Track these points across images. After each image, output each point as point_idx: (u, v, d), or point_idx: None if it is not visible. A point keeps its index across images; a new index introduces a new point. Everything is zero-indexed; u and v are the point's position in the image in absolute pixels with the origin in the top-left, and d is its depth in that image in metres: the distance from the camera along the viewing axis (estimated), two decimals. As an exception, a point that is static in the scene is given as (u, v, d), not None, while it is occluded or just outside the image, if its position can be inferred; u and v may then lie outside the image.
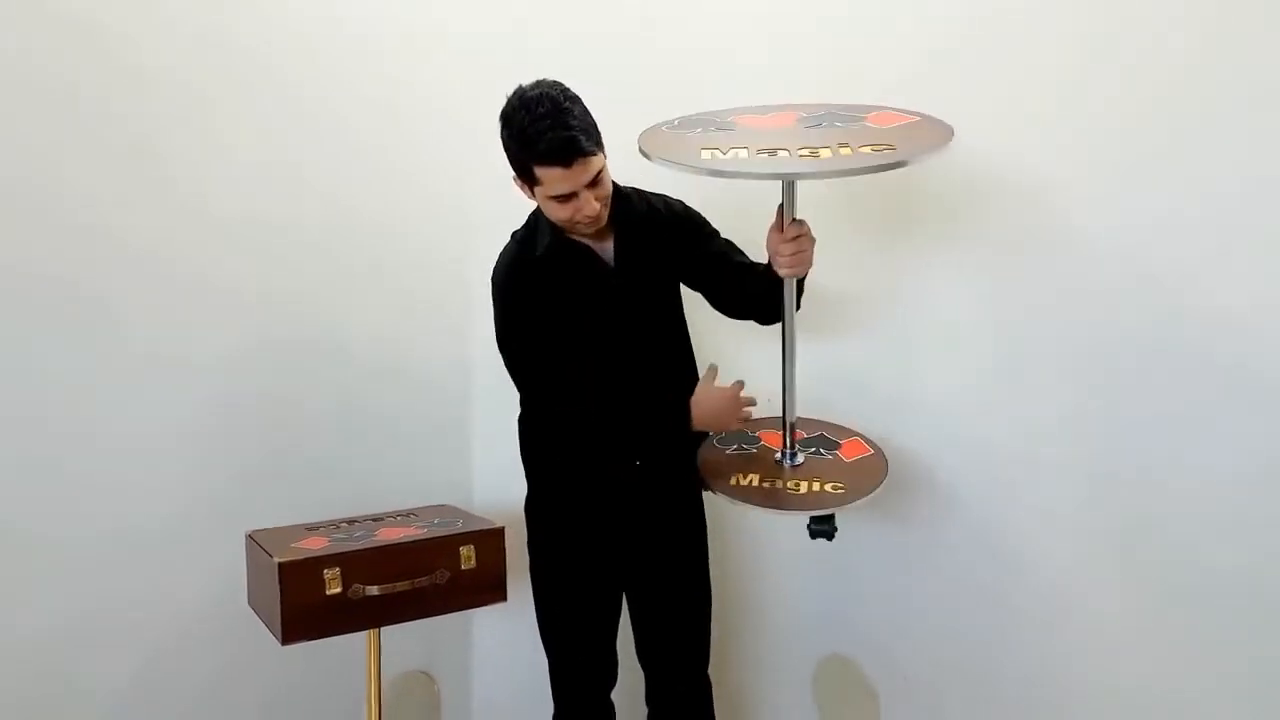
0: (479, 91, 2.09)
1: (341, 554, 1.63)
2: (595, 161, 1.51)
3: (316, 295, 2.05)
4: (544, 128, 1.46)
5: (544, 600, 1.82)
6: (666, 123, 1.66)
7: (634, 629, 1.84)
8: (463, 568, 1.72)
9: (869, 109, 1.60)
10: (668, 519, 1.78)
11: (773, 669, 2.15)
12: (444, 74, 2.14)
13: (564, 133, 1.46)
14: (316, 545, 1.67)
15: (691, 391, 1.67)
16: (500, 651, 2.25)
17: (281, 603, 1.57)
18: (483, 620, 2.24)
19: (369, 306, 2.12)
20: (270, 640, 1.62)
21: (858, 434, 1.79)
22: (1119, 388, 1.66)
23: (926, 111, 1.56)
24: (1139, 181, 1.61)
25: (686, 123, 1.64)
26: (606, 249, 1.69)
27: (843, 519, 1.71)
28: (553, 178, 1.50)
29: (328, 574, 1.61)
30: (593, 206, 1.54)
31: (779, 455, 1.72)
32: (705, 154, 1.46)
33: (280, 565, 1.57)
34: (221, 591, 1.85)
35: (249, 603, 1.78)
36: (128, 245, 1.81)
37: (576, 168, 1.49)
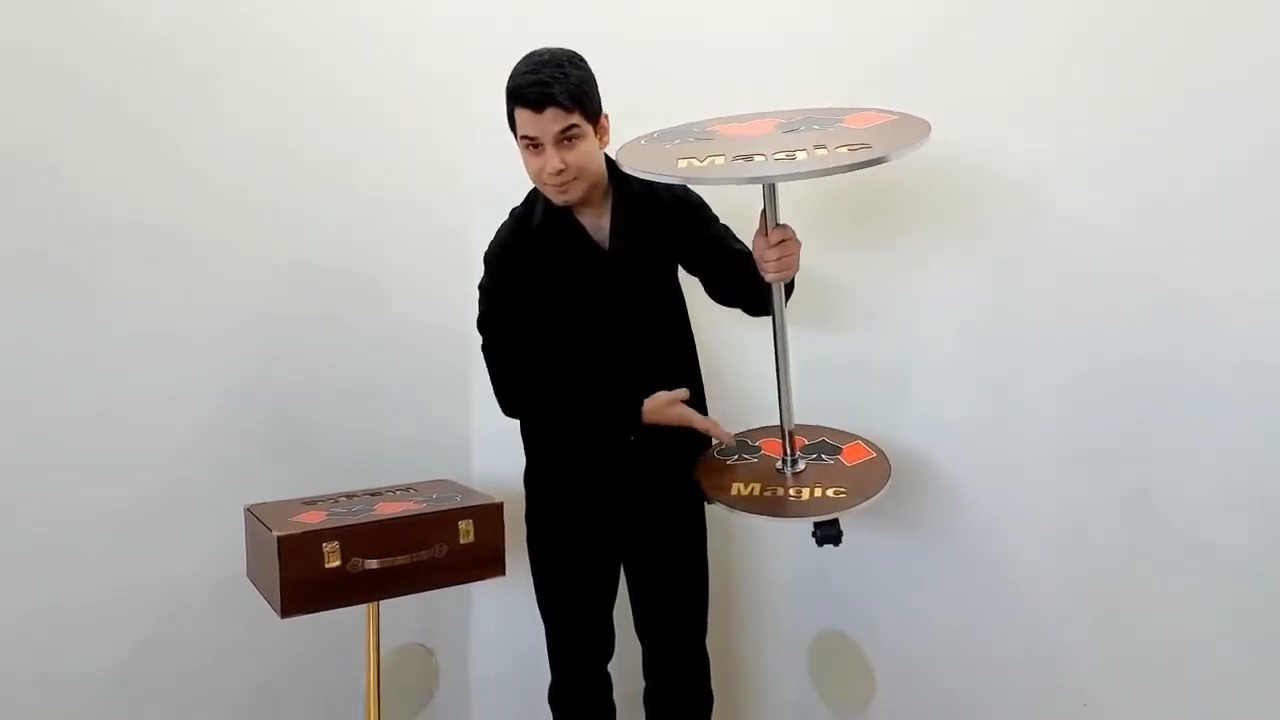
0: (478, 66, 2.09)
1: (340, 528, 1.63)
2: (567, 118, 1.54)
3: (314, 271, 2.04)
4: (530, 69, 1.55)
5: (541, 571, 1.83)
6: (645, 135, 1.66)
7: (631, 602, 1.84)
8: (461, 542, 1.73)
9: (846, 111, 1.60)
10: (665, 492, 1.78)
11: (770, 643, 2.16)
12: (443, 48, 2.13)
13: (544, 77, 1.53)
14: (315, 519, 1.68)
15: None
16: (498, 625, 2.26)
17: (280, 576, 1.57)
18: (481, 594, 2.25)
19: (367, 281, 2.12)
20: (269, 613, 1.62)
21: (859, 438, 1.78)
22: (1118, 382, 1.65)
23: (905, 110, 1.54)
24: (1131, 171, 1.61)
25: (665, 135, 1.65)
26: (602, 229, 1.69)
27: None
28: (522, 120, 1.56)
29: (327, 548, 1.61)
30: (554, 164, 1.56)
31: (780, 463, 1.70)
32: (682, 163, 1.47)
33: (279, 539, 1.57)
34: (220, 564, 1.86)
35: (248, 576, 1.79)
36: (125, 221, 1.80)
37: (547, 115, 1.53)
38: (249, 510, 1.76)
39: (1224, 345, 1.54)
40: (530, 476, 1.82)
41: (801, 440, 1.75)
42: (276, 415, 2.01)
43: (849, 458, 1.71)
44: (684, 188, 1.77)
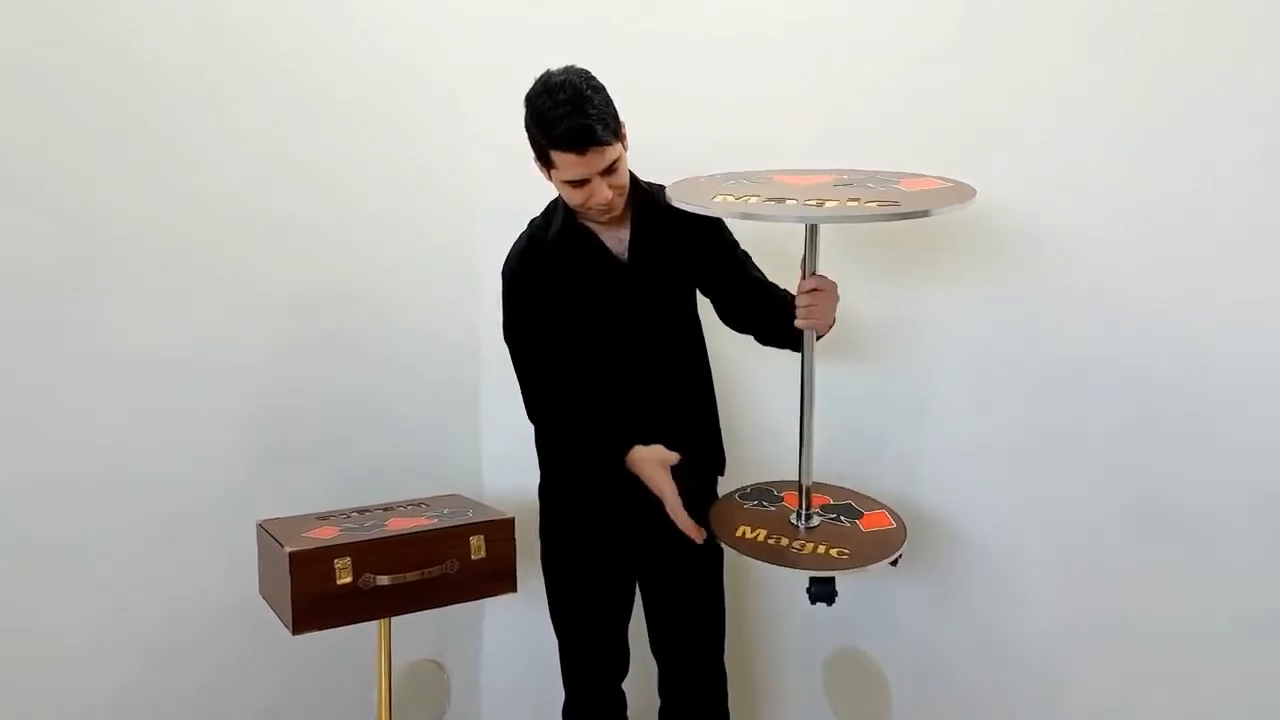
0: (484, 79, 2.12)
1: (352, 544, 1.62)
2: (611, 151, 1.53)
3: (325, 284, 2.04)
4: (563, 114, 1.48)
5: (556, 588, 1.81)
6: (706, 176, 1.69)
7: (647, 619, 1.83)
8: (473, 558, 1.71)
9: (903, 175, 1.62)
10: (685, 503, 1.76)
11: (787, 661, 2.14)
12: (447, 61, 2.14)
13: (581, 120, 1.48)
14: (327, 535, 1.67)
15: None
16: (510, 641, 2.25)
17: (292, 592, 1.57)
18: (493, 609, 2.24)
19: (377, 295, 2.11)
20: (281, 628, 1.62)
21: (885, 507, 1.75)
22: (1134, 406, 1.63)
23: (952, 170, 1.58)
24: (1146, 191, 1.58)
25: (726, 178, 1.67)
26: (621, 242, 1.68)
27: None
28: (567, 163, 1.52)
29: (338, 564, 1.60)
30: (604, 194, 1.56)
31: (794, 516, 1.69)
32: (717, 199, 1.49)
33: (291, 555, 1.57)
34: (233, 580, 1.85)
35: (260, 592, 1.78)
36: (134, 235, 1.79)
37: (591, 155, 1.51)
38: (261, 525, 1.76)
39: (1237, 363, 1.52)
40: (545, 490, 1.81)
41: (825, 500, 1.75)
42: (289, 431, 2.01)
43: (867, 525, 1.69)
44: None
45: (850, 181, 1.59)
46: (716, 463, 1.82)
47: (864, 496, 1.79)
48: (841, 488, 1.82)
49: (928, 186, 1.55)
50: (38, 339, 1.71)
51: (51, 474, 1.73)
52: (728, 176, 1.68)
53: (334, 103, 2.03)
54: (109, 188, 1.77)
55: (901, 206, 1.40)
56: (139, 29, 1.77)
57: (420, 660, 2.18)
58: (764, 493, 1.80)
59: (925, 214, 1.39)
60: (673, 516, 1.61)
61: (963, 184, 1.55)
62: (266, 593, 1.75)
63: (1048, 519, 1.76)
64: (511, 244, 1.72)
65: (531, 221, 1.73)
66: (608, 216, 1.63)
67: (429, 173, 2.16)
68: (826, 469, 1.80)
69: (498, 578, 1.75)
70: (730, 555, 1.81)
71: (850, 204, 1.42)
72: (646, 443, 1.64)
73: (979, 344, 1.82)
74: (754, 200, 1.47)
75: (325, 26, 2.01)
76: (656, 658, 1.83)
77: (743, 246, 1.78)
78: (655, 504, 1.72)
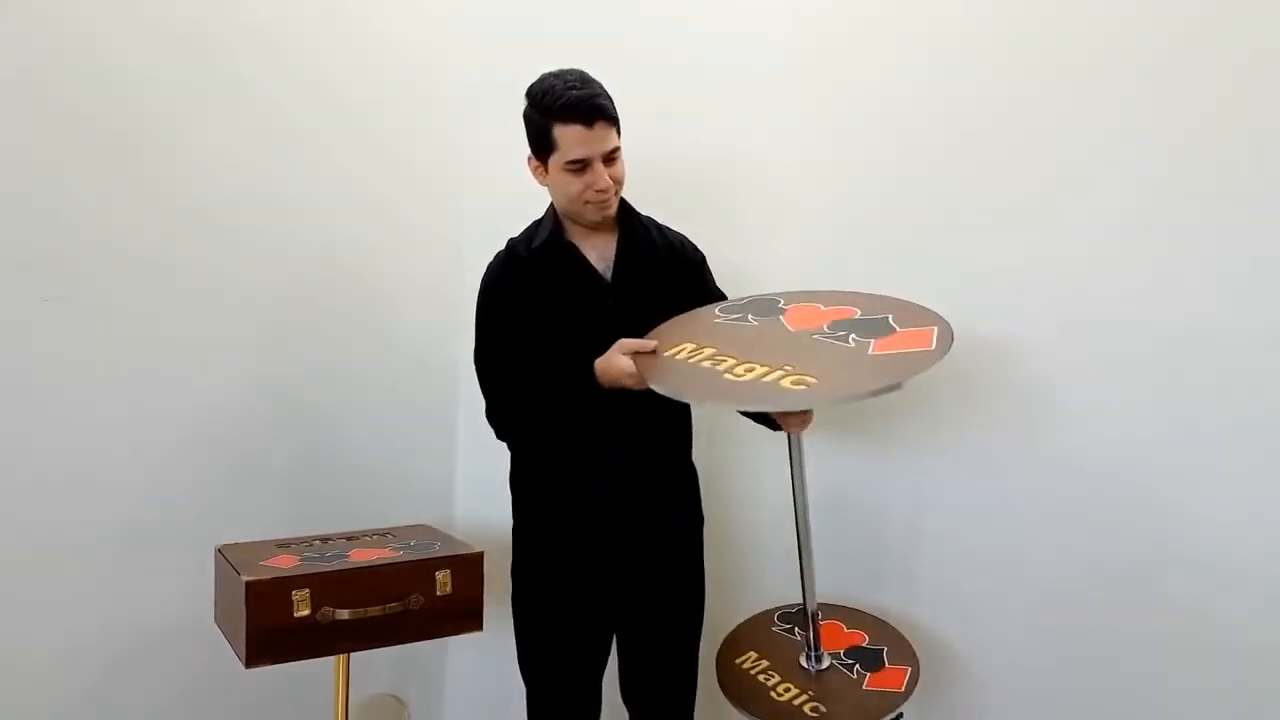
0: (474, 102, 2.09)
1: (312, 575, 1.56)
2: (614, 136, 1.54)
3: (301, 305, 2.00)
4: (572, 87, 1.51)
5: (526, 634, 1.73)
6: (720, 306, 1.66)
7: (620, 667, 1.75)
8: (438, 594, 1.66)
9: (895, 327, 1.45)
10: (664, 557, 1.71)
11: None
12: (437, 83, 2.13)
13: (590, 92, 1.51)
14: (286, 564, 1.61)
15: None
16: (474, 678, 2.19)
17: (247, 624, 1.50)
18: (457, 645, 2.18)
19: (354, 316, 2.08)
20: (234, 660, 1.55)
21: (911, 662, 1.67)
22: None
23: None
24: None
25: (731, 308, 1.64)
26: (605, 259, 1.65)
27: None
28: (571, 138, 1.51)
29: (296, 595, 1.54)
30: (605, 181, 1.55)
31: (804, 656, 1.68)
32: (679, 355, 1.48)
33: (248, 584, 1.51)
34: (188, 605, 1.78)
35: (215, 620, 1.71)
36: (103, 249, 1.75)
37: (598, 130, 1.51)
38: (220, 551, 1.69)
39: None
40: (520, 535, 1.74)
41: (860, 638, 1.74)
42: (259, 449, 1.95)
43: (875, 683, 1.62)
44: (695, 247, 1.78)
45: (842, 332, 1.46)
46: (692, 505, 1.76)
47: (900, 639, 1.74)
48: (883, 622, 1.79)
49: (909, 348, 1.38)
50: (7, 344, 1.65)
51: (5, 487, 1.67)
52: (733, 306, 1.64)
53: (321, 124, 2.00)
54: (98, 204, 1.72)
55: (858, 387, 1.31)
56: (132, 39, 1.75)
57: (380, 694, 2.11)
58: (803, 617, 1.70)
59: (895, 387, 1.29)
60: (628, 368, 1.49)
61: (934, 332, 1.40)
62: (222, 622, 1.68)
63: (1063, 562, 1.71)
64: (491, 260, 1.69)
65: (511, 239, 1.70)
66: (602, 215, 1.60)
67: (411, 200, 2.15)
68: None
69: (464, 615, 1.69)
70: (706, 601, 1.79)
71: (805, 382, 1.33)
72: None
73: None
74: (727, 371, 1.40)
75: (314, 45, 1.99)
76: (628, 706, 1.76)
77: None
78: (633, 551, 1.68)
